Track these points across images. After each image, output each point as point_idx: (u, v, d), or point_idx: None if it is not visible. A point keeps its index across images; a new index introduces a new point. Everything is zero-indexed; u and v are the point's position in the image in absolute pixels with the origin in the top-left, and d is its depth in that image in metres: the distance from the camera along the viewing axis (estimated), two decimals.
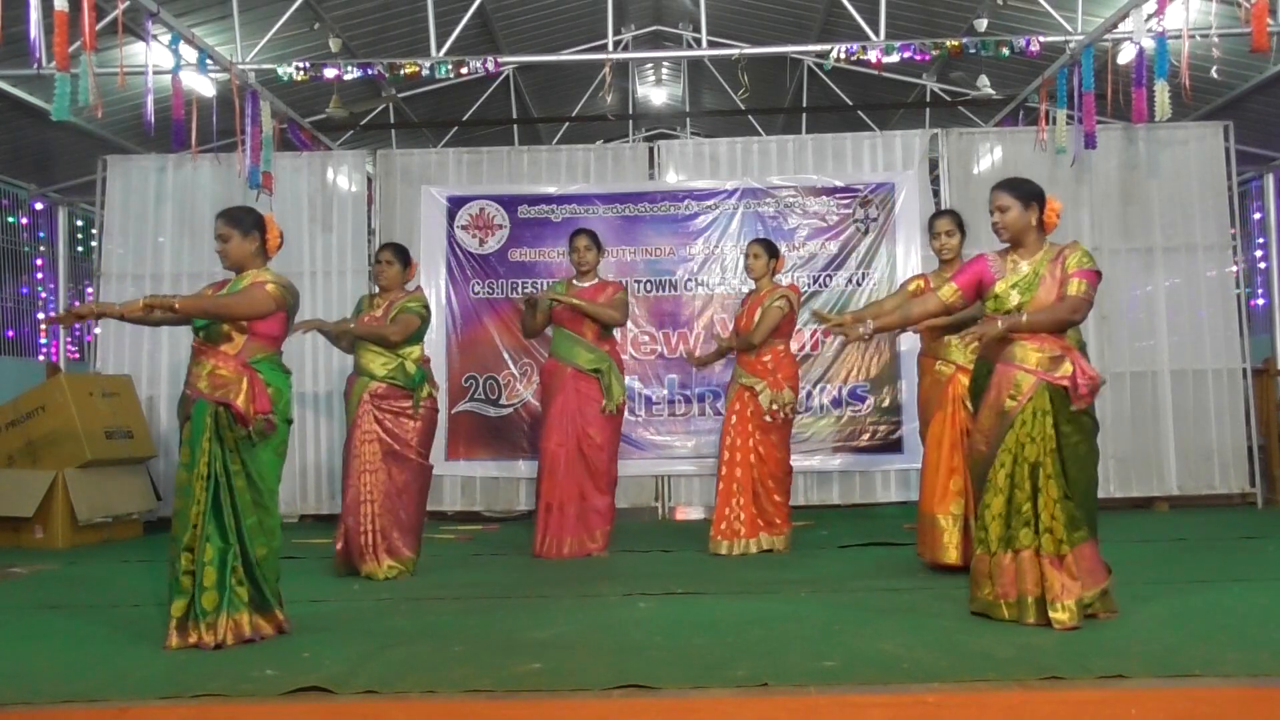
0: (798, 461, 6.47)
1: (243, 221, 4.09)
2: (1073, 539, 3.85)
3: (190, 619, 3.81)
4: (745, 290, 7.12)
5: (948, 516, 5.05)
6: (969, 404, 4.89)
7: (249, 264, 4.10)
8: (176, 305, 3.87)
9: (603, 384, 5.88)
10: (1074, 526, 3.87)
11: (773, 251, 5.98)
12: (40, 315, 10.42)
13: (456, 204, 7.90)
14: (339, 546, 5.35)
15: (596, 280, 6.12)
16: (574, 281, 6.12)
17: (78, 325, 11.05)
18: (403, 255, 5.55)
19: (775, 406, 5.74)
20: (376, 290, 5.70)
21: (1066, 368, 3.90)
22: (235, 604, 3.85)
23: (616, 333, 7.58)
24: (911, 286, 5.41)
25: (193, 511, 3.85)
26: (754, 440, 5.79)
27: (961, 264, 5.06)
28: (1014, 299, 3.98)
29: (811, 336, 7.61)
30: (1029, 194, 4.04)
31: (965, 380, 4.94)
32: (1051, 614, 3.78)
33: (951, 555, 5.00)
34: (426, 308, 5.47)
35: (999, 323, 3.93)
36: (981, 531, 4.03)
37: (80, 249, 11.23)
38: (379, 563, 5.24)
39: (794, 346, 6.39)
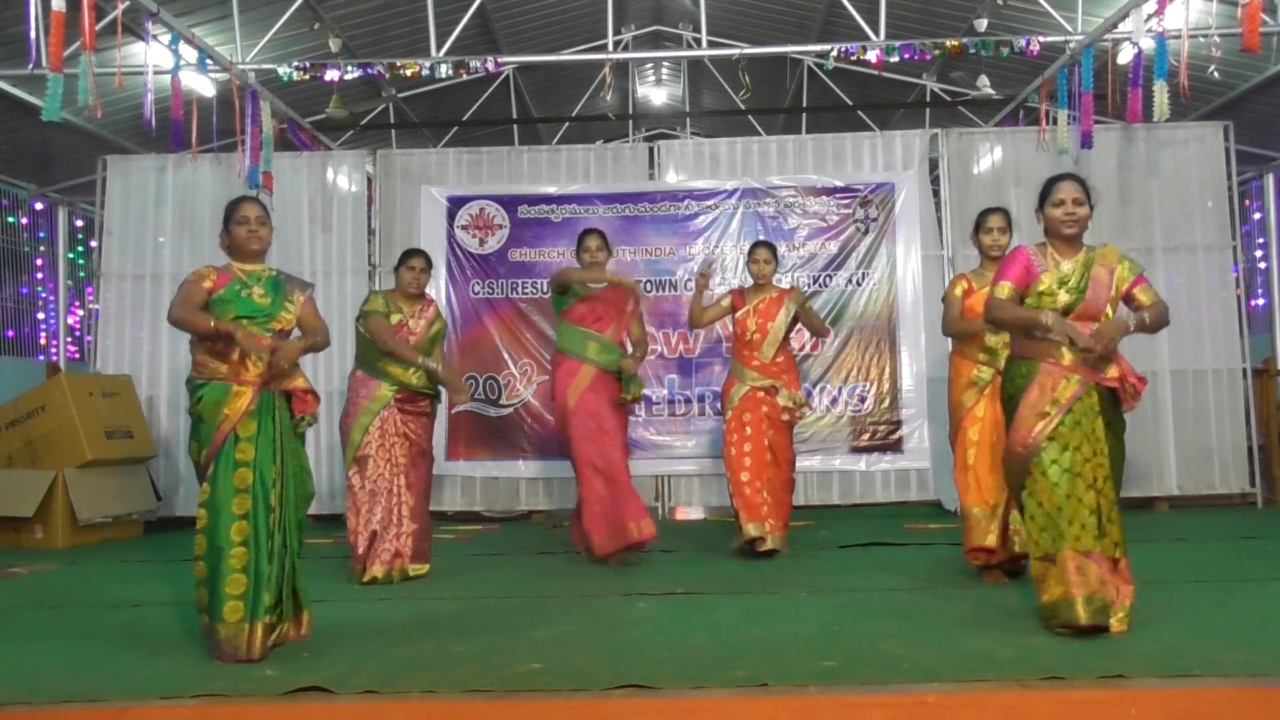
0: (797, 461, 6.45)
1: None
2: (1124, 544, 3.81)
3: (261, 619, 3.64)
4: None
5: (985, 507, 4.88)
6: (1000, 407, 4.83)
7: (263, 258, 4.05)
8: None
9: (625, 379, 5.84)
10: (1122, 531, 3.81)
11: (776, 253, 6.02)
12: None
13: (456, 204, 7.90)
14: (360, 552, 5.21)
15: (608, 281, 6.03)
16: (588, 284, 5.95)
17: (77, 326, 11.09)
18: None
19: (794, 404, 5.78)
20: (391, 288, 5.61)
21: (1114, 370, 3.84)
22: (284, 605, 3.75)
23: None
24: (958, 290, 5.15)
25: (272, 510, 3.69)
26: (769, 440, 5.76)
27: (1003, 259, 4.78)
28: (1063, 298, 3.87)
29: (812, 336, 7.60)
30: (1090, 196, 3.99)
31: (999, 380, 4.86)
32: (1112, 619, 3.68)
33: (990, 539, 4.81)
34: None
35: (1129, 323, 3.81)
36: (1041, 535, 3.82)
37: (80, 249, 11.24)
38: (401, 563, 5.24)
39: (794, 346, 6.43)
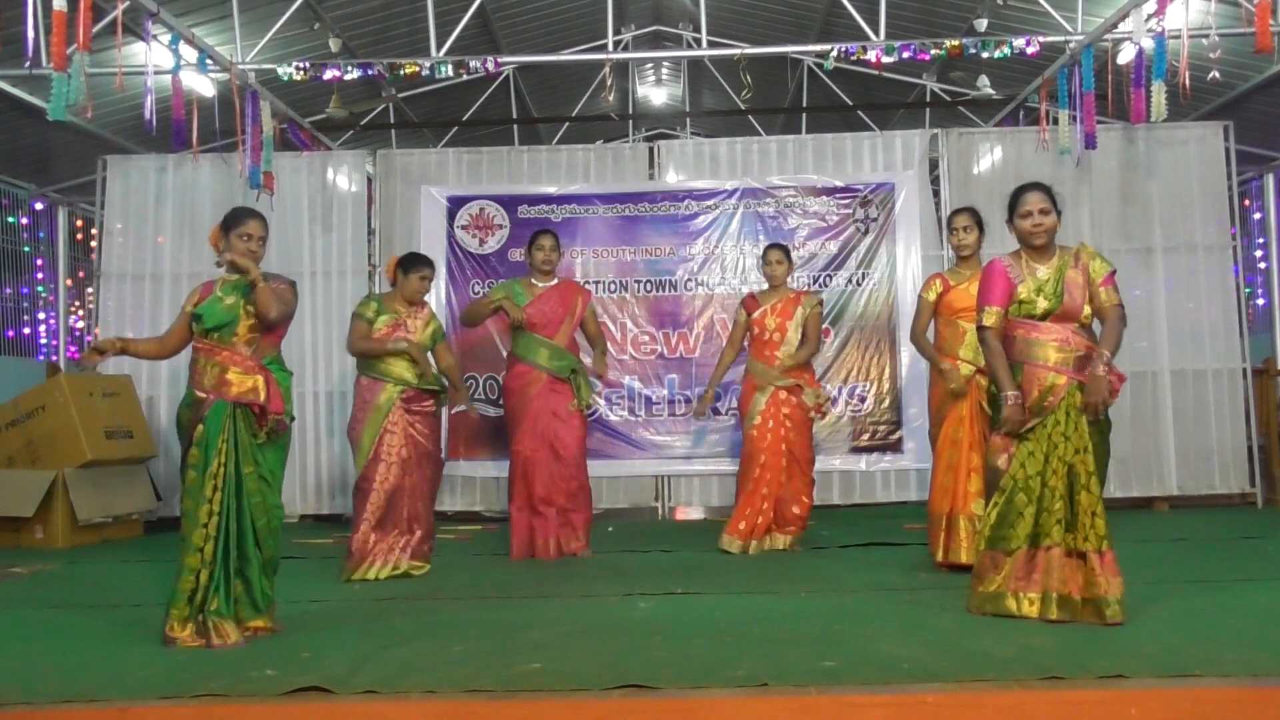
0: None
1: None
2: (1110, 537, 3.89)
3: (194, 618, 3.85)
4: (745, 290, 7.10)
5: (969, 519, 5.01)
6: (985, 405, 4.89)
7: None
8: (260, 283, 3.88)
9: (574, 385, 5.89)
10: (1108, 525, 3.91)
11: (789, 255, 6.06)
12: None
13: (456, 204, 7.90)
14: (360, 551, 5.27)
15: (557, 280, 6.08)
16: (533, 282, 6.01)
17: (78, 325, 11.08)
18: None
19: (820, 401, 5.84)
20: (388, 292, 5.64)
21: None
22: (237, 606, 3.91)
23: (617, 332, 7.66)
24: (931, 295, 5.28)
25: (203, 512, 3.87)
26: (786, 444, 5.80)
27: (981, 272, 4.66)
28: (1041, 305, 4.00)
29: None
30: (1057, 201, 4.11)
31: (984, 381, 4.90)
32: (1106, 611, 3.80)
33: (969, 555, 4.95)
34: None
35: (1099, 368, 3.92)
36: (996, 528, 3.99)
37: (80, 249, 11.23)
38: (402, 562, 5.32)
39: None
